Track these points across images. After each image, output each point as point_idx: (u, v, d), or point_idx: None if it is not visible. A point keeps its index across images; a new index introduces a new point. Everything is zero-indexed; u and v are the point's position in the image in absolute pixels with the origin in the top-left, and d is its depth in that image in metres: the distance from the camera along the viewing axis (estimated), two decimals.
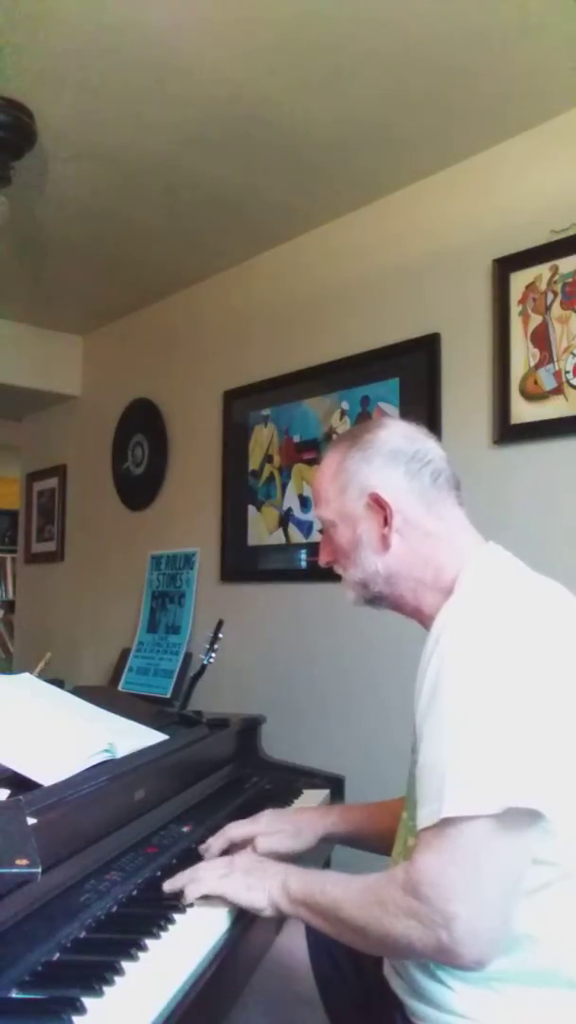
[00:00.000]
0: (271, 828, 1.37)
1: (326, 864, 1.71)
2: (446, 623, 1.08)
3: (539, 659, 1.00)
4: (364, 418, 2.51)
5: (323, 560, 1.28)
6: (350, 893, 1.04)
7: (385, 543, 1.18)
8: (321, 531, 1.30)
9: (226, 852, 1.34)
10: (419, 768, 1.01)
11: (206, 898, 1.19)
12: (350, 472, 1.20)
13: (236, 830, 1.37)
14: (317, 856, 1.52)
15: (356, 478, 1.20)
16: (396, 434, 1.22)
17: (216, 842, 1.37)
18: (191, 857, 1.37)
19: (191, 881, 1.20)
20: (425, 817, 0.97)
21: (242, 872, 1.19)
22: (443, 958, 0.94)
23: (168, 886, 1.23)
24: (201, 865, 1.25)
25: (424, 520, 1.18)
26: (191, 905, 1.19)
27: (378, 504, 1.18)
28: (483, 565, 1.15)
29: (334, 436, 2.58)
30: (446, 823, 0.94)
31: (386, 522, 1.17)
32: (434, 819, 0.95)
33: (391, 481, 1.18)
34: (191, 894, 1.18)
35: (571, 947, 1.02)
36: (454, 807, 0.93)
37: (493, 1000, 1.02)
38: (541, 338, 2.05)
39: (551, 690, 0.99)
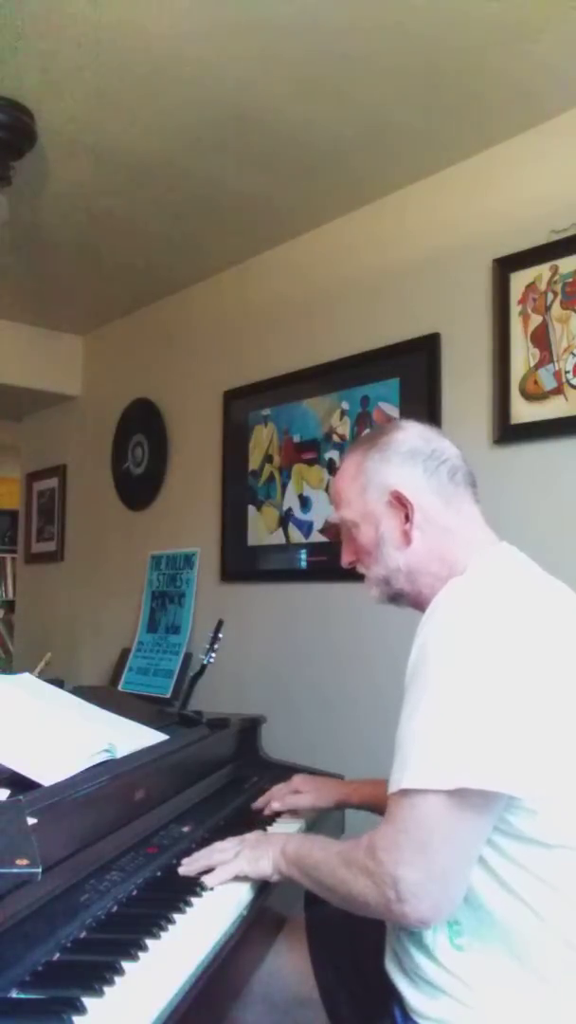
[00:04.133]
0: (303, 787, 1.62)
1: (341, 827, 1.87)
2: (438, 602, 1.11)
3: (521, 646, 1.02)
4: (364, 418, 2.51)
5: (346, 561, 1.32)
6: (328, 855, 1.14)
7: (407, 539, 1.21)
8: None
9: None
10: (396, 736, 1.05)
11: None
12: (370, 472, 1.24)
13: (278, 791, 1.64)
14: (334, 825, 1.79)
15: (376, 478, 1.23)
16: (412, 434, 1.25)
17: (274, 802, 1.62)
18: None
19: (207, 867, 1.29)
20: (392, 785, 1.03)
21: (250, 847, 1.29)
22: (391, 916, 1.02)
23: (185, 868, 1.31)
24: (216, 846, 1.34)
25: (442, 516, 1.21)
26: (211, 890, 1.26)
27: (399, 501, 1.21)
28: (491, 559, 1.17)
29: (335, 437, 2.59)
30: (403, 794, 1.00)
31: (407, 519, 1.20)
32: (395, 789, 1.01)
33: (411, 479, 1.21)
34: (212, 882, 1.26)
35: (563, 927, 1.02)
36: (412, 780, 0.99)
37: (488, 984, 1.03)
38: (541, 338, 2.05)
39: (531, 675, 1.01)
